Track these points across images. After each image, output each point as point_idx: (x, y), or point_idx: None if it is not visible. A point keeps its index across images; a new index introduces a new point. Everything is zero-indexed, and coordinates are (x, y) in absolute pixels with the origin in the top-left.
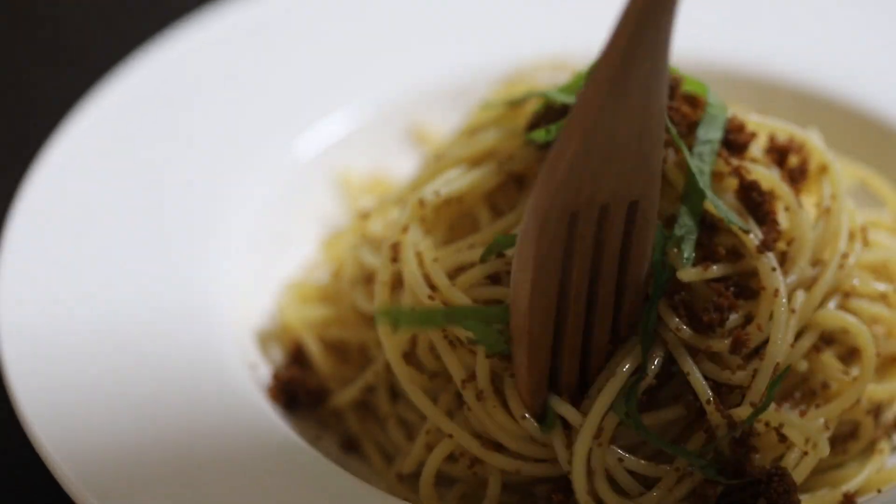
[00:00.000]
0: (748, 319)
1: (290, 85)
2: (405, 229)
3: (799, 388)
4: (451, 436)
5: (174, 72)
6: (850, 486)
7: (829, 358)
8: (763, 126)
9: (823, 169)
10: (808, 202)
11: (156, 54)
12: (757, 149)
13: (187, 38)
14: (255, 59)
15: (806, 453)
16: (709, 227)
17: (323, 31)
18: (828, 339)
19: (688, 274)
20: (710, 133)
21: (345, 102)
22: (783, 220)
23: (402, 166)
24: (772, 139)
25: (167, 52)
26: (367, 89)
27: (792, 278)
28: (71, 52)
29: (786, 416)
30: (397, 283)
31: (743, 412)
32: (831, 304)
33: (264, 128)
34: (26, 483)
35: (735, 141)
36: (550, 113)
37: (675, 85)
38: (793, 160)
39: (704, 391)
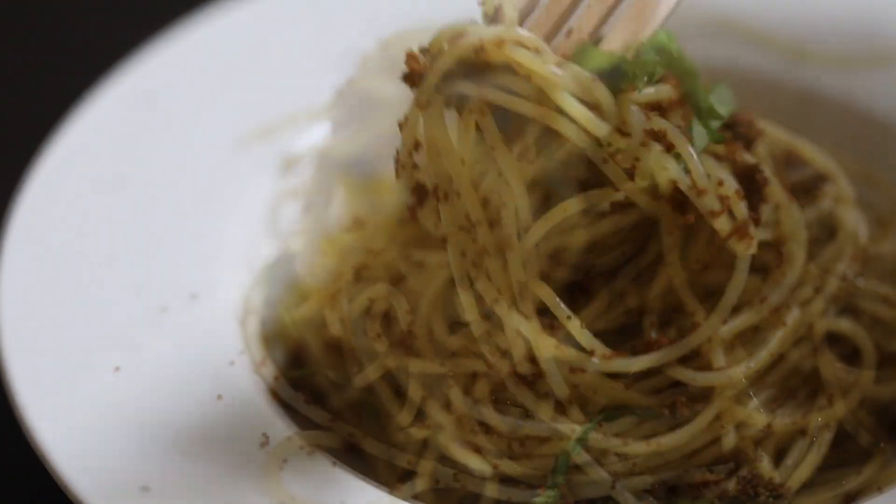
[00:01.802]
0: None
1: (289, 84)
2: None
3: (802, 388)
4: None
5: (173, 72)
6: (850, 484)
7: (830, 359)
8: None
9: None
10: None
11: (154, 53)
12: (763, 148)
13: (186, 37)
14: (253, 60)
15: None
16: None
17: (322, 30)
18: (832, 338)
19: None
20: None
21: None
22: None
23: None
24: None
25: (165, 50)
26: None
27: (791, 279)
28: (69, 51)
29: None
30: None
31: None
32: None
33: (264, 127)
34: (23, 481)
35: (745, 135)
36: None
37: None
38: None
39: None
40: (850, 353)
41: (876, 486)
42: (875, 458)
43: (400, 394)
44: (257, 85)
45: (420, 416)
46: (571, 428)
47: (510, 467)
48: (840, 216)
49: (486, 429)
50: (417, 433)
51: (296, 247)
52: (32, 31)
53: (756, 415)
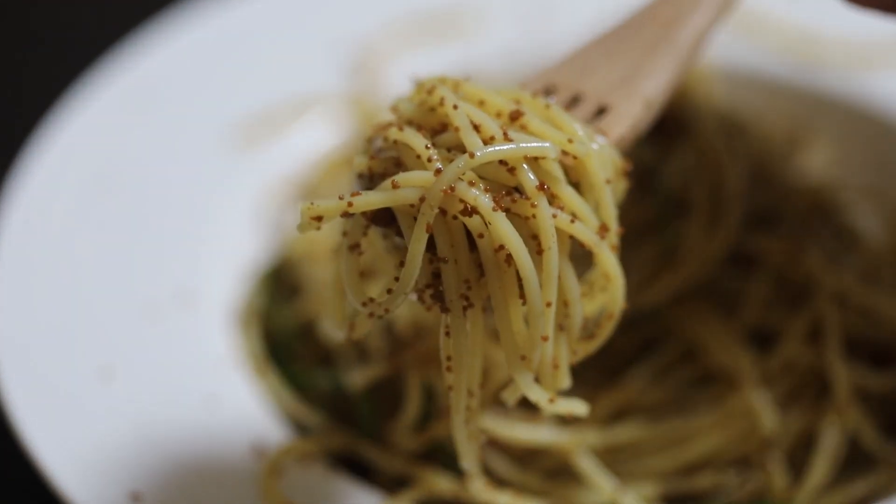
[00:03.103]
0: None
1: (283, 81)
2: None
3: (809, 392)
4: None
5: (162, 70)
6: (859, 489)
7: (841, 364)
8: None
9: None
10: None
11: (142, 51)
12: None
13: (174, 35)
14: (245, 56)
15: None
16: None
17: (311, 30)
18: (844, 343)
19: None
20: None
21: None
22: None
23: None
24: None
25: (153, 48)
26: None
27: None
28: (54, 44)
29: None
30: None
31: None
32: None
33: (259, 126)
34: (14, 487)
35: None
36: None
37: None
38: None
39: None
40: (861, 358)
41: (885, 492)
42: (884, 463)
43: (400, 399)
44: (249, 82)
45: (421, 422)
46: (580, 437)
47: (514, 476)
48: (853, 220)
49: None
50: (415, 440)
51: (295, 251)
52: (16, 22)
53: (765, 419)
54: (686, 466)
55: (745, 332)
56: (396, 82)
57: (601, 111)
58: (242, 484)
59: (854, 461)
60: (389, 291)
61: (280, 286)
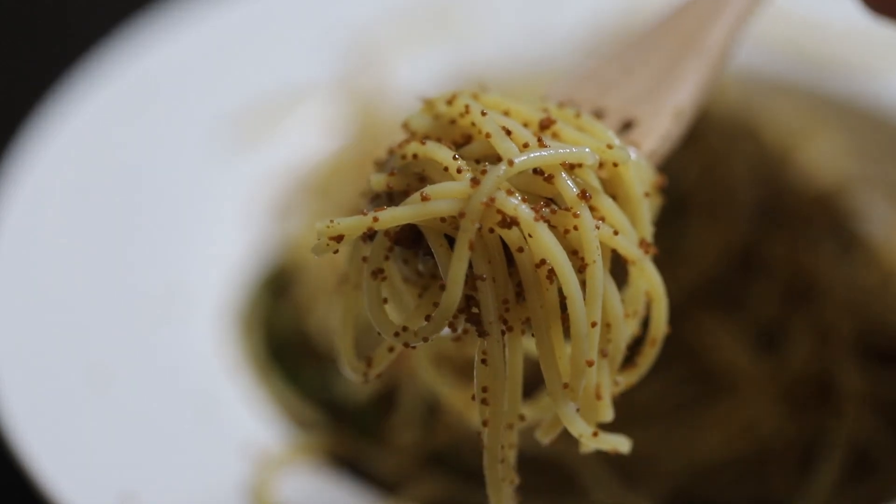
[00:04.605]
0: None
1: (281, 76)
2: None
3: (815, 395)
4: None
5: (158, 65)
6: (865, 491)
7: (848, 367)
8: None
9: None
10: None
11: (131, 52)
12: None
13: (172, 29)
14: (243, 52)
15: None
16: None
17: (312, 20)
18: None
19: None
20: None
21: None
22: None
23: None
24: None
25: (149, 44)
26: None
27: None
28: (48, 43)
29: None
30: None
31: None
32: None
33: (258, 120)
34: (5, 488)
35: None
36: None
37: None
38: None
39: None
40: (868, 359)
41: (892, 494)
42: (891, 465)
43: (394, 403)
44: (246, 79)
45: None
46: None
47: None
48: (862, 220)
49: None
50: (412, 442)
51: (296, 252)
52: (12, 21)
53: (771, 421)
54: (690, 469)
55: (752, 334)
56: (395, 79)
57: (627, 126)
58: (240, 485)
59: (860, 463)
60: (428, 318)
61: (280, 287)
